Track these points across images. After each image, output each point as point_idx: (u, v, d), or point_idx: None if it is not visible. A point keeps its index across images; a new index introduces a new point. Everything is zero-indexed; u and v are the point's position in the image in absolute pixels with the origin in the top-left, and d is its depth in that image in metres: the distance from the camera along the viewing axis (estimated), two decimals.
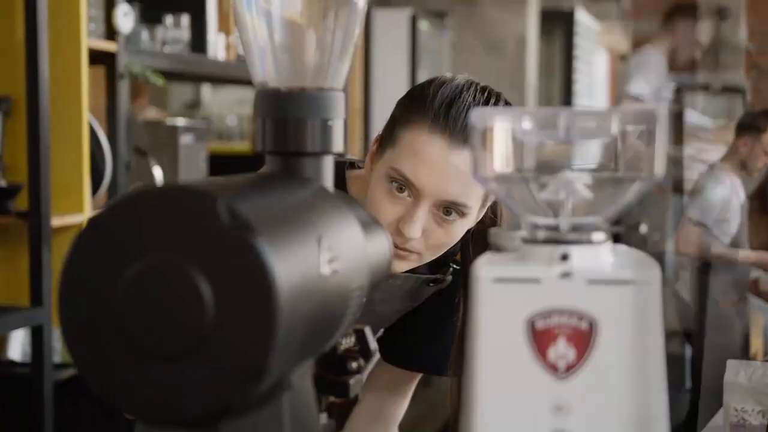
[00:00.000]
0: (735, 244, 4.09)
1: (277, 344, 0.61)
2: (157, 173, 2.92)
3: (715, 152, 4.29)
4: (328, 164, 0.82)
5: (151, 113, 3.91)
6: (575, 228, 0.71)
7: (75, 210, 2.49)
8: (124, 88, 2.68)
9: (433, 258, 1.31)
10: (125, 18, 2.64)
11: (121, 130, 2.67)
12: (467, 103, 1.24)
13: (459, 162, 1.22)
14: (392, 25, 4.78)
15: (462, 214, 1.25)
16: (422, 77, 5.85)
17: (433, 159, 1.22)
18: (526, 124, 0.71)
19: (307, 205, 0.73)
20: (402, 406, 1.51)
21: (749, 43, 3.93)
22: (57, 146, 2.46)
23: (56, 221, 2.41)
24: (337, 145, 0.82)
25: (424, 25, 4.93)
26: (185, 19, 3.05)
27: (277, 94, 0.81)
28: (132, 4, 2.85)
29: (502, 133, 0.71)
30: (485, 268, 0.69)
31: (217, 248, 0.61)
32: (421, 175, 1.22)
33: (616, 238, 0.73)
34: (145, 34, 2.93)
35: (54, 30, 2.45)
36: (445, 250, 1.31)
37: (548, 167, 0.73)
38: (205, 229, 0.61)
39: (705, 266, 4.20)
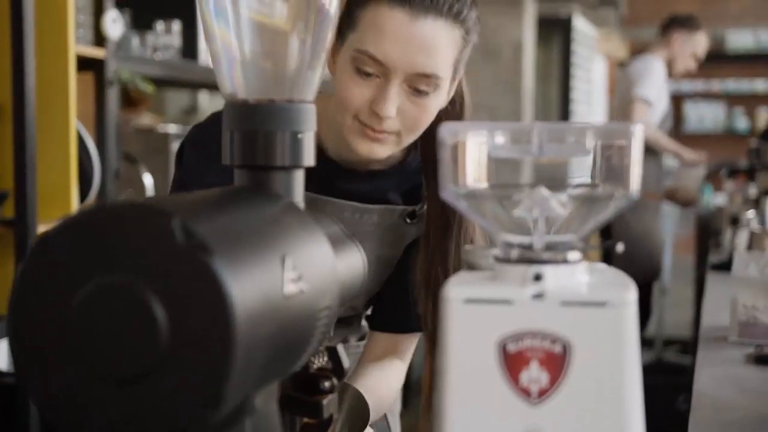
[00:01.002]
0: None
1: (235, 368, 0.59)
2: (148, 181, 2.90)
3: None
4: (298, 178, 0.79)
5: (147, 119, 3.88)
6: (549, 246, 0.68)
7: (62, 216, 2.46)
8: (112, 94, 2.65)
9: (411, 140, 1.29)
10: (114, 24, 2.61)
11: (110, 137, 2.64)
12: None
13: (424, 32, 1.20)
14: None
15: (434, 87, 1.23)
16: None
17: (396, 32, 1.20)
18: (499, 139, 0.69)
19: (272, 222, 0.71)
20: (402, 371, 1.48)
21: None
22: (44, 153, 2.43)
23: (43, 229, 2.38)
24: (308, 158, 0.79)
25: None
26: (176, 26, 3.02)
27: (246, 105, 0.78)
28: (122, 10, 2.82)
29: (474, 147, 0.69)
30: (456, 288, 0.67)
31: (172, 268, 0.59)
32: (387, 50, 1.20)
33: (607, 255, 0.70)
34: (135, 40, 2.90)
35: (41, 36, 2.43)
36: (421, 130, 1.28)
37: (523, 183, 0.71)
38: (159, 248, 0.59)
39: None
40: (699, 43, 4.43)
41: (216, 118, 1.36)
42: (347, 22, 1.25)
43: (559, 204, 0.68)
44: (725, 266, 2.77)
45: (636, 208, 4.31)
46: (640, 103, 4.28)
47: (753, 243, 2.99)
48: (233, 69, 0.79)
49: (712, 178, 9.94)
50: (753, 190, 4.06)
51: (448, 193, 0.69)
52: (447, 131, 0.68)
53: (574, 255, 0.68)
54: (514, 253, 0.68)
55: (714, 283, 2.82)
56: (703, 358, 1.72)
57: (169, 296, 0.58)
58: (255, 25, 0.79)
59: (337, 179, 1.36)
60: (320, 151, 1.35)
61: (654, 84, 4.31)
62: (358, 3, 1.24)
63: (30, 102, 2.34)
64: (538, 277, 0.66)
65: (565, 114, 7.34)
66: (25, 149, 2.32)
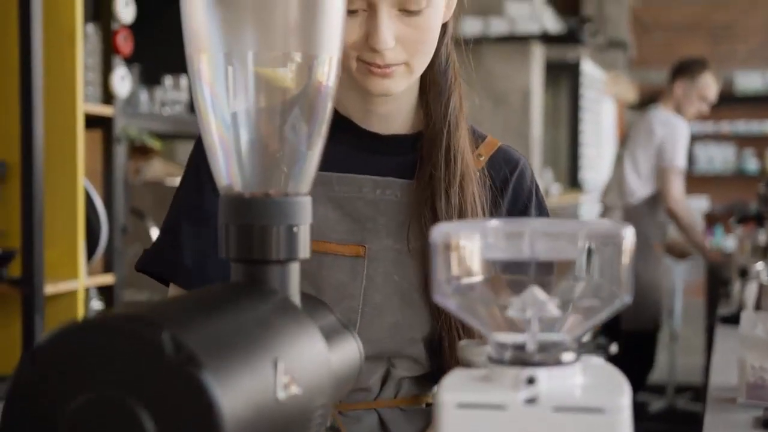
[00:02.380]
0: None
1: None
2: (155, 235, 2.90)
3: None
4: (294, 271, 0.79)
5: (158, 166, 3.90)
6: (543, 347, 0.68)
7: (70, 276, 2.47)
8: (120, 151, 2.67)
9: (424, 65, 1.20)
10: (122, 82, 2.63)
11: (117, 193, 2.65)
12: None
13: None
14: None
15: (427, 2, 1.16)
16: None
17: None
18: (491, 240, 0.69)
19: (264, 324, 0.71)
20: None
21: None
22: (52, 211, 2.44)
23: (50, 288, 2.38)
24: (304, 251, 0.79)
25: None
26: (184, 81, 3.05)
27: (241, 199, 0.78)
28: (131, 65, 2.85)
29: (466, 249, 0.69)
30: (449, 392, 0.66)
31: (162, 381, 0.58)
32: None
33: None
34: (144, 96, 2.92)
35: (50, 94, 2.45)
36: (430, 51, 1.20)
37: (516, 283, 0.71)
38: (149, 361, 0.59)
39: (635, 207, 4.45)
40: (704, 85, 4.43)
41: None
42: None
43: (552, 305, 0.68)
44: (734, 319, 2.75)
45: (641, 258, 4.31)
46: (677, 174, 4.32)
47: (762, 296, 2.97)
48: (229, 162, 0.79)
49: (723, 220, 9.93)
50: (763, 237, 4.04)
51: (439, 292, 0.69)
52: (438, 233, 0.68)
53: (567, 356, 0.68)
54: (507, 355, 0.68)
55: (723, 337, 2.80)
56: (711, 422, 1.71)
57: (159, 409, 0.58)
58: (251, 118, 0.79)
59: (360, 148, 1.27)
60: (344, 120, 1.27)
61: (684, 147, 4.36)
62: None
63: (38, 161, 2.35)
64: (531, 381, 0.66)
65: (574, 158, 7.35)
66: (33, 208, 2.33)
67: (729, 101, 10.03)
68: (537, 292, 0.69)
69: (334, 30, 0.79)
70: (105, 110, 2.65)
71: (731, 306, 3.37)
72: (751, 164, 10.02)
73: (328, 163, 1.25)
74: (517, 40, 5.52)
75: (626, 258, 0.67)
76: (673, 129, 4.39)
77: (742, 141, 10.09)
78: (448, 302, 0.69)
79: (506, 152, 1.31)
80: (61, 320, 2.39)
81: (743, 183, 9.84)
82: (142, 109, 2.90)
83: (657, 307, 4.44)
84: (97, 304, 2.86)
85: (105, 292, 2.71)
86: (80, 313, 2.44)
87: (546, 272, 0.70)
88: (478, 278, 0.70)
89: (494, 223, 0.71)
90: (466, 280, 0.70)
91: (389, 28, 1.15)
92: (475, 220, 0.73)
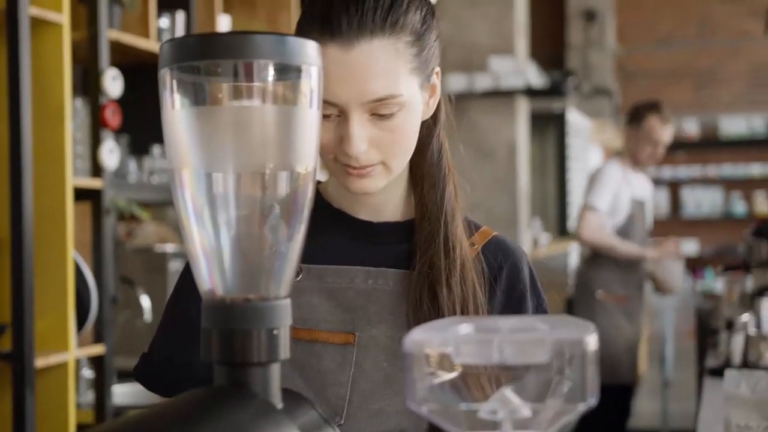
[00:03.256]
0: (623, 237, 4.35)
1: None
2: (145, 303, 2.92)
3: None
4: (275, 372, 0.82)
5: (150, 229, 3.92)
6: None
7: (60, 349, 2.48)
8: (109, 223, 2.70)
9: (402, 164, 1.22)
10: (111, 155, 2.67)
11: (106, 264, 2.68)
12: None
13: (360, 58, 1.15)
14: None
15: (398, 106, 1.17)
16: None
17: (334, 68, 1.14)
18: (462, 346, 0.72)
19: (244, 430, 0.73)
20: None
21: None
22: (42, 285, 2.46)
23: (41, 361, 2.40)
24: (284, 352, 0.82)
25: None
26: None
27: (223, 305, 0.81)
28: (119, 136, 2.89)
29: (438, 354, 0.72)
30: None
31: None
32: (331, 89, 1.15)
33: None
34: (132, 165, 2.96)
35: (40, 168, 2.48)
36: (407, 151, 1.21)
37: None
38: None
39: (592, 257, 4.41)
40: (649, 129, 4.40)
41: None
42: None
43: (524, 405, 0.71)
44: (722, 372, 2.77)
45: (598, 313, 4.32)
46: (587, 211, 4.35)
47: (749, 347, 2.99)
48: (210, 268, 0.82)
49: (712, 263, 9.97)
50: (750, 284, 4.07)
51: (411, 398, 0.72)
52: (411, 341, 0.71)
53: None
54: None
55: (711, 390, 2.82)
56: None
57: None
58: (231, 228, 0.82)
59: (354, 237, 1.29)
60: (338, 212, 1.30)
61: (606, 189, 4.34)
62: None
63: (28, 235, 2.38)
64: None
65: (562, 206, 7.41)
66: (23, 282, 2.36)
67: (714, 145, 10.14)
68: (508, 393, 0.72)
69: (309, 143, 0.82)
70: (94, 183, 2.68)
71: (719, 357, 3.39)
72: (739, 207, 10.10)
73: (323, 256, 1.29)
74: (502, 95, 5.60)
75: (590, 361, 0.70)
76: (600, 171, 4.46)
77: (729, 184, 10.18)
78: (421, 408, 0.72)
79: (501, 241, 1.33)
80: (52, 393, 2.40)
81: (731, 226, 9.91)
82: (131, 179, 2.93)
83: (629, 359, 4.42)
84: (88, 373, 2.87)
85: (96, 361, 2.72)
86: (71, 384, 2.46)
87: (517, 375, 0.73)
88: (450, 383, 0.73)
89: (465, 329, 0.74)
90: (438, 385, 0.73)
91: (361, 134, 1.17)
92: (447, 326, 0.76)
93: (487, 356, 0.72)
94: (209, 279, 0.83)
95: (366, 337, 1.24)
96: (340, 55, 1.15)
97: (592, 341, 0.70)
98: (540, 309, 1.32)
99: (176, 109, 0.81)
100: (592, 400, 0.71)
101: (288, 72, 0.81)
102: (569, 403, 0.72)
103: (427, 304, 1.23)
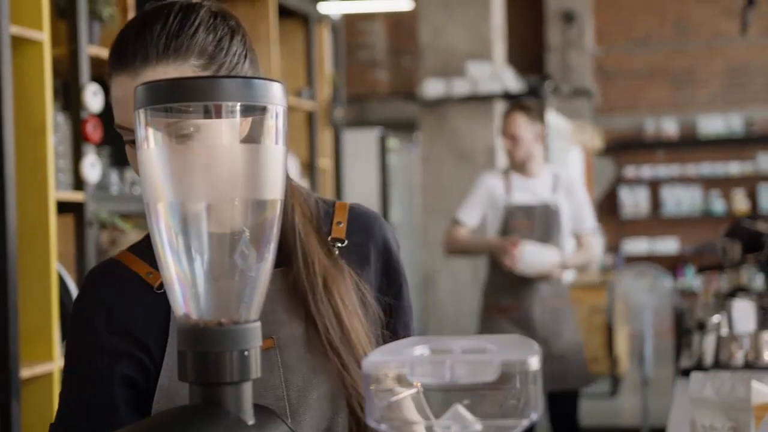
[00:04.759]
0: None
1: None
2: None
3: None
4: (247, 390, 0.88)
5: (133, 237, 3.96)
6: None
7: (44, 359, 2.53)
8: (92, 235, 2.75)
9: None
10: (92, 168, 2.72)
11: None
12: (135, 26, 1.22)
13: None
14: (362, 143, 4.91)
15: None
16: (393, 192, 5.98)
17: (125, 96, 1.19)
18: (416, 367, 0.78)
19: None
20: None
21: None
22: (25, 297, 2.51)
23: (26, 372, 2.45)
24: (256, 371, 0.88)
25: (393, 143, 5.05)
26: None
27: (197, 328, 0.87)
28: (101, 149, 2.94)
29: (394, 375, 0.78)
30: None
31: None
32: (123, 116, 1.21)
33: None
34: (114, 177, 3.02)
35: (22, 182, 2.53)
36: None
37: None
38: None
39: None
40: (506, 124, 4.21)
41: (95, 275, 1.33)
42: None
43: (474, 421, 0.78)
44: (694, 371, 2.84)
45: (490, 328, 4.15)
46: (453, 224, 4.22)
47: (720, 348, 3.06)
48: (185, 294, 0.88)
49: (693, 261, 10.08)
50: (724, 284, 4.13)
51: (371, 416, 0.78)
52: (369, 364, 0.78)
53: None
54: None
55: (681, 391, 2.89)
56: None
57: None
58: (203, 256, 0.88)
59: None
60: None
61: (471, 201, 4.19)
62: (107, 80, 1.25)
63: (12, 248, 2.43)
64: None
65: None
66: (8, 295, 2.41)
67: (693, 144, 10.27)
68: (460, 410, 0.79)
69: (275, 175, 0.88)
70: (76, 196, 2.73)
71: (692, 357, 3.46)
72: (718, 205, 10.21)
73: None
74: (480, 99, 5.67)
75: (533, 380, 0.76)
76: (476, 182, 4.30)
77: (708, 183, 10.30)
78: (380, 425, 0.78)
79: (361, 212, 1.37)
80: (37, 403, 2.46)
81: (711, 224, 10.02)
82: (113, 190, 2.98)
83: (573, 362, 4.28)
84: None
85: None
86: (56, 394, 2.51)
87: (468, 392, 0.80)
88: (405, 401, 0.79)
89: (419, 351, 0.80)
90: (395, 404, 0.79)
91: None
92: (404, 347, 0.83)
93: (440, 376, 0.78)
94: (184, 304, 0.89)
95: (284, 337, 1.28)
96: (127, 82, 1.19)
97: (535, 361, 0.76)
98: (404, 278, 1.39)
99: (150, 147, 0.87)
100: (534, 415, 0.77)
101: (254, 111, 0.88)
102: (515, 418, 0.78)
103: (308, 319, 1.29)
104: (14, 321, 2.42)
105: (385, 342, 1.31)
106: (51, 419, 1.29)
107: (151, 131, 0.87)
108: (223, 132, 0.89)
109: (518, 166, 4.20)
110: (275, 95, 0.88)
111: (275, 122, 0.88)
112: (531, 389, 0.77)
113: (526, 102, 4.33)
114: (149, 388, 1.26)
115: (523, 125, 4.14)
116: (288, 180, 1.35)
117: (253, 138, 0.89)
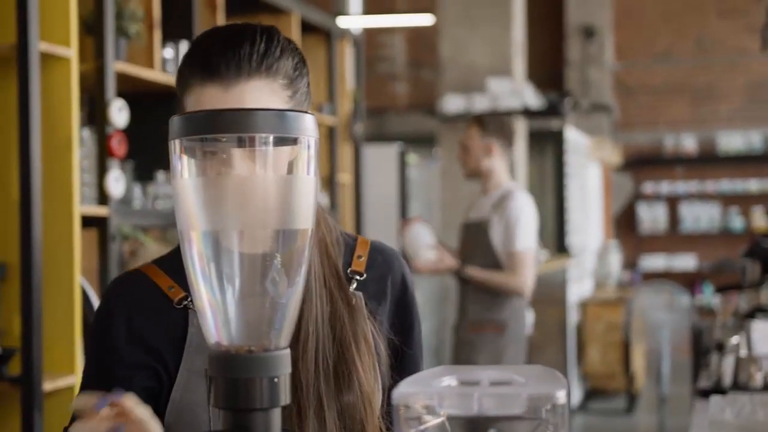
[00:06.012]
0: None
1: None
2: None
3: None
4: (276, 416, 0.90)
5: (154, 249, 3.98)
6: None
7: (67, 372, 2.56)
8: (115, 249, 2.78)
9: None
10: (116, 183, 2.75)
11: None
12: (222, 35, 1.24)
13: (239, 97, 1.20)
14: (382, 158, 4.93)
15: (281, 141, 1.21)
16: (412, 206, 6.00)
17: (213, 107, 1.19)
18: (445, 399, 0.79)
19: None
20: None
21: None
22: (50, 310, 2.54)
23: (48, 385, 2.47)
24: (285, 398, 0.90)
25: (412, 158, 5.06)
26: None
27: (228, 355, 0.89)
28: (125, 163, 2.97)
29: (423, 406, 0.80)
30: None
31: None
32: None
33: None
34: (138, 191, 3.04)
35: (48, 197, 2.56)
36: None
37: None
38: None
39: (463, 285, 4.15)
40: (466, 135, 4.20)
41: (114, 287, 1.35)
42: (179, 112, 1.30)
43: None
44: (712, 393, 2.83)
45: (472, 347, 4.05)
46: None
47: (739, 370, 3.05)
48: (217, 322, 0.90)
49: (711, 278, 10.03)
50: (744, 304, 4.11)
51: None
52: (398, 395, 0.79)
53: None
54: None
55: (700, 413, 2.88)
56: None
57: None
58: (235, 285, 0.90)
59: None
60: None
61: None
62: (182, 91, 1.26)
63: (37, 262, 2.46)
64: None
65: (560, 223, 7.48)
66: (32, 308, 2.43)
67: (712, 161, 10.23)
68: None
69: (307, 205, 0.90)
70: (100, 211, 2.76)
71: (710, 378, 3.44)
72: (737, 222, 10.17)
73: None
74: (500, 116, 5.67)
75: (560, 412, 0.78)
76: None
77: (727, 200, 10.25)
78: None
79: (381, 248, 1.39)
80: (60, 416, 2.48)
81: (729, 241, 9.97)
82: (136, 205, 3.01)
83: None
84: None
85: None
86: None
87: (494, 422, 0.81)
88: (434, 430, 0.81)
89: (446, 381, 0.81)
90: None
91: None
92: (431, 378, 0.84)
93: (468, 408, 0.79)
94: (216, 332, 0.90)
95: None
96: (218, 94, 1.20)
97: (562, 395, 0.77)
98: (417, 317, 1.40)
99: (185, 178, 0.88)
100: None
101: (286, 142, 0.90)
102: None
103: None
104: (38, 334, 2.45)
105: (386, 380, 1.31)
106: None
107: (185, 161, 0.89)
108: (257, 163, 0.90)
109: (470, 177, 4.20)
110: (307, 127, 0.89)
111: (307, 153, 0.90)
112: (558, 421, 0.78)
113: (487, 117, 4.32)
114: (163, 399, 1.27)
115: (473, 136, 4.13)
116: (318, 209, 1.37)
117: (285, 168, 0.91)
